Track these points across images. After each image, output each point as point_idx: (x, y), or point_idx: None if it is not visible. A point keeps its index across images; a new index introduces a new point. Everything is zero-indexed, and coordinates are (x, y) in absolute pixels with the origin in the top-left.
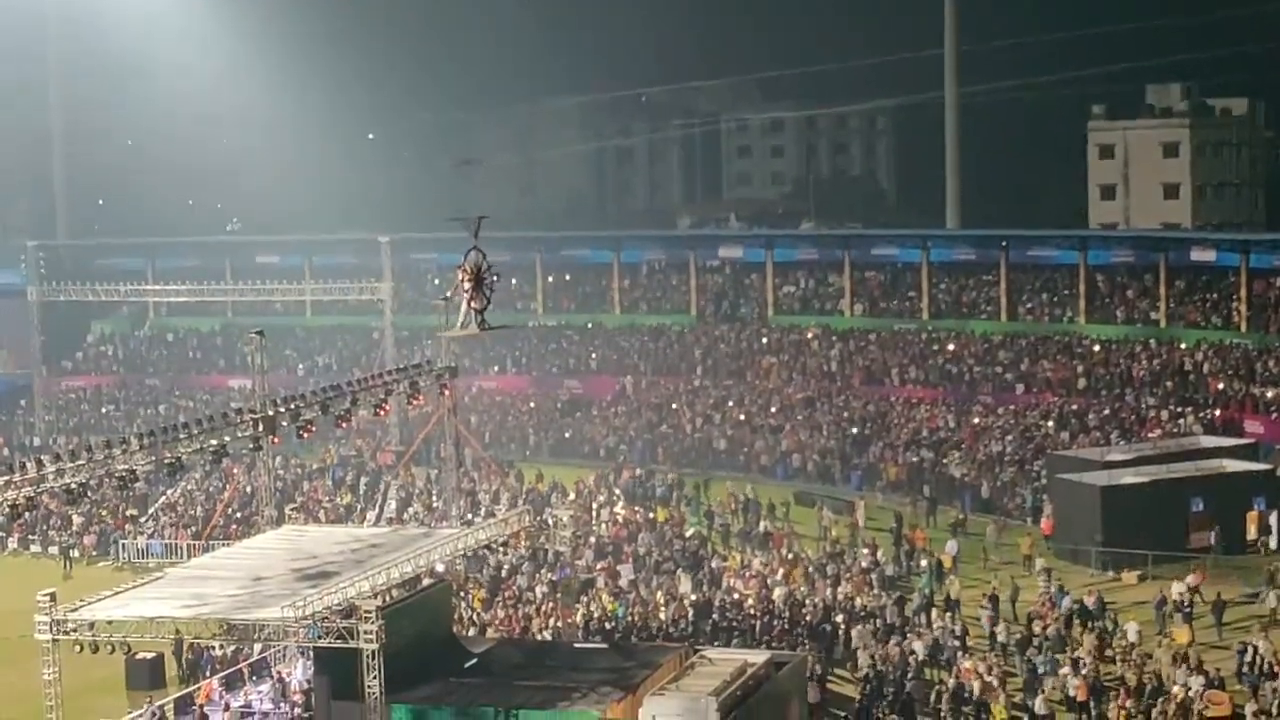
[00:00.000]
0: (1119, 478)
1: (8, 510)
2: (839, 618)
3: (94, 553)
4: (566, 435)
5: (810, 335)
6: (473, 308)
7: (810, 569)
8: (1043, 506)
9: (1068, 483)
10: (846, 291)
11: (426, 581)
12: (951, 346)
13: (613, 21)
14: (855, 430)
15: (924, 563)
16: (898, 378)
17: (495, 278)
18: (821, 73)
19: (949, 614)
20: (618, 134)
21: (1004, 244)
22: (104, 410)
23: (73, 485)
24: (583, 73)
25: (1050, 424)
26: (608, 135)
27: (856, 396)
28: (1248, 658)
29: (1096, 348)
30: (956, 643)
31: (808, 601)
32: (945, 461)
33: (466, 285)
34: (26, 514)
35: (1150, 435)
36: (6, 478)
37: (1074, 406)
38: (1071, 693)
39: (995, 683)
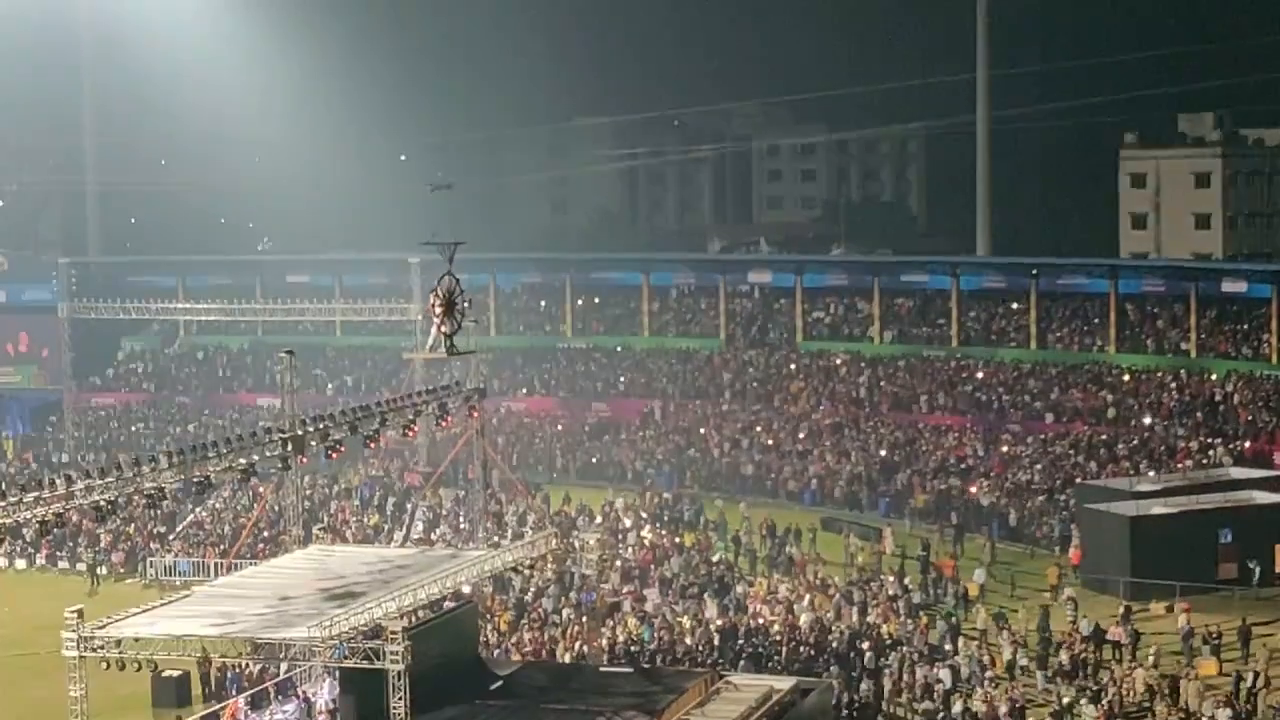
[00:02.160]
0: (1148, 508)
1: (37, 526)
2: (865, 645)
3: (122, 570)
4: (594, 459)
5: (839, 361)
6: (442, 332)
7: (837, 595)
8: (1071, 536)
9: (1096, 512)
10: (876, 318)
11: (452, 603)
12: (980, 374)
13: (646, 43)
14: (883, 456)
15: (951, 590)
16: (926, 405)
17: (467, 304)
18: (853, 96)
19: (975, 642)
20: (650, 155)
21: (1034, 272)
22: (133, 428)
23: (102, 503)
24: (615, 94)
25: (1079, 453)
26: (640, 157)
27: (885, 423)
28: (1246, 685)
29: (1126, 377)
30: (983, 671)
31: (834, 628)
32: (973, 489)
33: (438, 309)
34: (55, 530)
35: (1179, 466)
36: (36, 494)
37: (1103, 436)
38: None
39: (1003, 709)
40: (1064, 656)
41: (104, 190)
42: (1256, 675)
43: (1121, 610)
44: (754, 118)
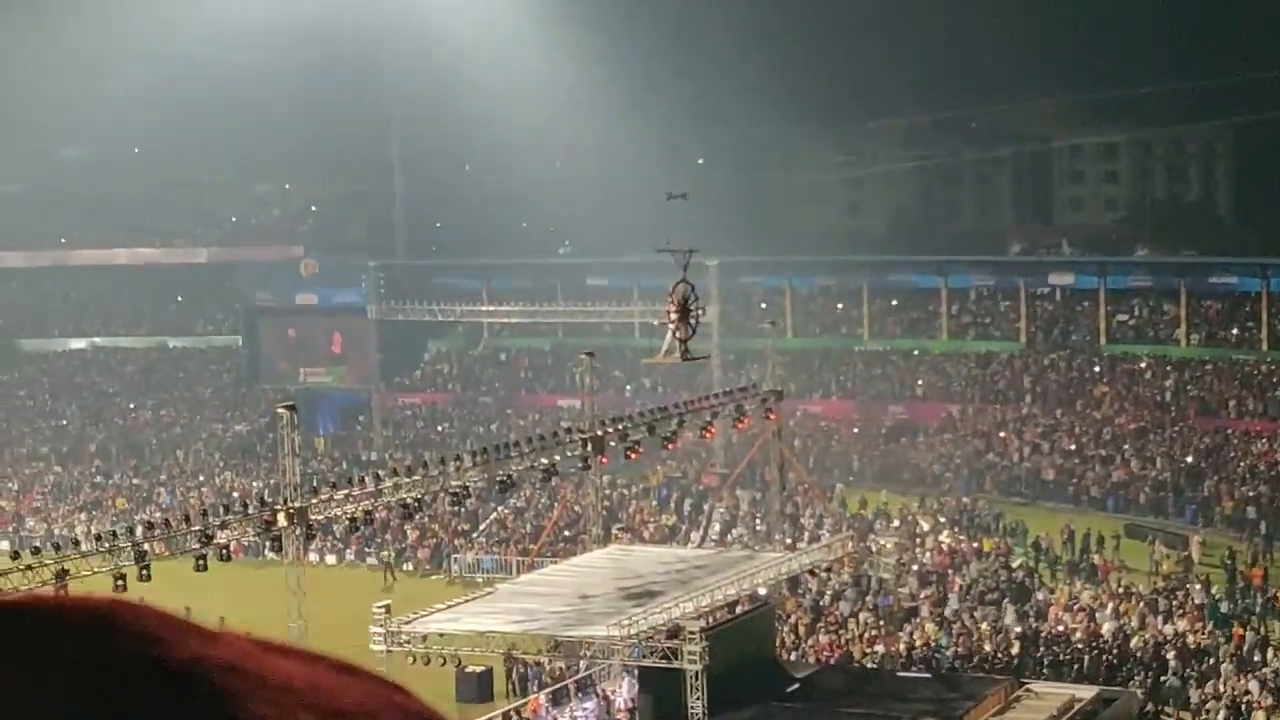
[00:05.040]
0: None
1: (347, 523)
2: (1170, 654)
3: (427, 566)
4: (891, 461)
5: (1144, 365)
6: (677, 337)
7: (1141, 603)
8: None
9: None
10: (1182, 320)
11: (749, 604)
12: None
13: (943, 41)
14: (1190, 462)
15: (1260, 600)
16: (1235, 410)
17: (701, 310)
18: (1158, 93)
19: None
20: (946, 156)
21: None
22: (439, 427)
23: (408, 500)
24: (911, 94)
25: None
26: (936, 157)
27: (1191, 428)
28: None
29: None
30: None
31: (1138, 637)
32: None
33: (673, 316)
34: (363, 527)
35: None
36: (346, 491)
37: None
38: None
39: None
40: None
41: (410, 195)
42: None
43: None
44: (1053, 117)
